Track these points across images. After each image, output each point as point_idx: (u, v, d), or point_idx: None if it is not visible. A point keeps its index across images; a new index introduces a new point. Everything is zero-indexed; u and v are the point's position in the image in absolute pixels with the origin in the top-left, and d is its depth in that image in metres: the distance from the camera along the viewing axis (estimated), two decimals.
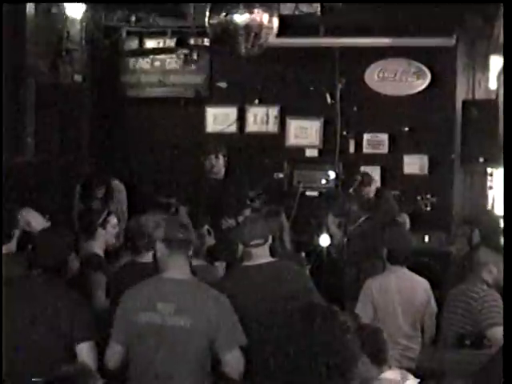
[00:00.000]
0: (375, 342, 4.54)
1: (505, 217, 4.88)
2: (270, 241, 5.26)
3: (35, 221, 5.98)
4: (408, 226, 8.44)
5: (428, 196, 8.69)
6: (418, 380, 4.50)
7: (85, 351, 4.48)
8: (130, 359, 4.62)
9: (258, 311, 4.90)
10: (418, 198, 8.63)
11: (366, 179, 8.76)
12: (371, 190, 8.71)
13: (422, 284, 6.06)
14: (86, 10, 9.41)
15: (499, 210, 8.64)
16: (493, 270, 5.50)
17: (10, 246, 5.56)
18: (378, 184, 9.30)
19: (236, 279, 5.11)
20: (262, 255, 5.18)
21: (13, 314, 4.47)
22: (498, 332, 5.14)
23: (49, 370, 4.14)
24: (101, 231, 6.15)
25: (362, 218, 8.46)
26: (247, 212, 8.11)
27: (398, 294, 5.93)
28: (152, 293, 4.56)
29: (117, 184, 8.83)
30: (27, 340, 4.47)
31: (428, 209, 8.49)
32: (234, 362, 4.53)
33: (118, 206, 8.68)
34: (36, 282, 4.66)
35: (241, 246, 5.22)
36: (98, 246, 6.13)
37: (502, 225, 8.52)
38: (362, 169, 9.61)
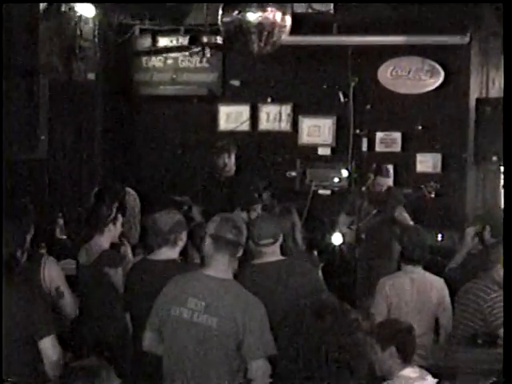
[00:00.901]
0: (405, 339, 4.56)
1: (504, 213, 4.89)
2: (280, 240, 5.27)
3: None
4: (408, 219, 8.36)
5: (432, 183, 8.64)
6: (436, 380, 4.51)
7: (48, 345, 4.50)
8: (163, 350, 4.66)
9: (267, 309, 4.90)
10: (422, 186, 8.57)
11: (385, 170, 8.74)
12: (387, 182, 8.67)
13: (437, 284, 6.03)
14: (99, 8, 9.43)
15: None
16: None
17: None
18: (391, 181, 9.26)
19: (245, 277, 5.11)
20: (272, 254, 5.19)
21: None
22: None
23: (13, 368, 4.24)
24: (111, 227, 6.19)
25: (373, 213, 8.44)
26: (258, 208, 8.10)
27: (413, 294, 5.92)
28: (187, 288, 4.57)
29: (130, 193, 8.76)
30: None
31: (432, 195, 8.43)
32: (258, 371, 4.45)
33: (131, 212, 8.62)
34: None
35: (252, 245, 5.23)
36: (106, 242, 6.17)
37: None
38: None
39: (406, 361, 4.51)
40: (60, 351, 4.54)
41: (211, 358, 4.49)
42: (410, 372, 4.47)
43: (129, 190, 8.53)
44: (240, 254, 4.70)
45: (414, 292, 5.92)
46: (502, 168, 9.04)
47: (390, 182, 8.85)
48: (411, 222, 8.30)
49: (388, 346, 4.47)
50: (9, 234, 4.79)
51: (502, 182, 9.11)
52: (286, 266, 5.21)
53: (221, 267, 4.59)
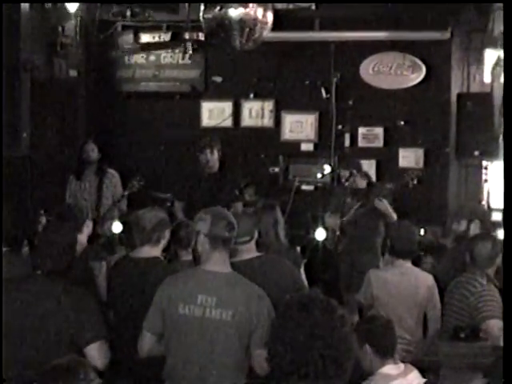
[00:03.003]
0: (381, 336, 4.56)
1: (504, 212, 4.91)
2: (255, 237, 5.27)
3: None
4: (393, 214, 8.37)
5: (413, 171, 8.66)
6: (424, 380, 4.51)
7: (94, 351, 4.45)
8: (167, 350, 4.61)
9: None
10: (404, 174, 8.59)
11: (362, 174, 8.75)
12: (363, 183, 8.67)
13: (425, 279, 6.00)
14: (81, 5, 9.41)
15: (494, 203, 8.67)
16: (495, 263, 5.50)
17: None
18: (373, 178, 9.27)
19: None
20: (248, 251, 5.20)
21: (13, 317, 4.40)
22: (493, 324, 5.17)
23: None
24: (88, 223, 6.21)
25: (355, 207, 8.44)
26: (239, 205, 8.11)
27: (400, 288, 5.90)
28: (193, 284, 4.54)
29: (110, 171, 8.83)
30: (29, 343, 4.42)
31: (415, 182, 8.45)
32: (262, 359, 4.48)
33: (114, 191, 8.69)
34: (37, 283, 4.55)
35: None
36: (85, 239, 6.19)
37: (493, 218, 8.57)
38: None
39: (385, 358, 4.51)
40: (106, 357, 4.45)
41: (225, 352, 4.48)
42: (390, 369, 4.45)
43: (110, 170, 8.72)
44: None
45: (402, 287, 5.91)
46: (484, 162, 9.09)
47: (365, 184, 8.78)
48: (392, 211, 8.30)
49: (363, 343, 4.47)
50: (64, 239, 4.75)
51: (484, 176, 9.16)
52: (263, 262, 5.21)
53: (220, 262, 4.60)
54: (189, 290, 4.52)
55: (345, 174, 8.61)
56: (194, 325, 4.48)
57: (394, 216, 8.11)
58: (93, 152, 8.59)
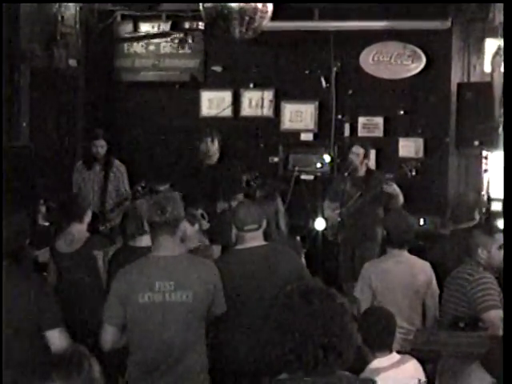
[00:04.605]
0: (375, 327, 4.56)
1: (504, 203, 4.90)
2: (264, 226, 5.29)
3: None
4: (400, 194, 8.37)
5: (412, 162, 8.65)
6: (420, 368, 4.52)
7: (56, 337, 4.49)
8: (130, 341, 4.66)
9: (250, 293, 4.97)
10: (402, 165, 8.59)
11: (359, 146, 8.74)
12: (358, 152, 8.62)
13: (422, 267, 6.01)
14: None
15: (494, 192, 8.67)
16: (488, 253, 5.50)
17: None
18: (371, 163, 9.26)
19: (228, 262, 5.16)
20: (255, 239, 5.22)
21: None
22: (493, 314, 5.17)
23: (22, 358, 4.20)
24: (88, 212, 6.24)
25: (355, 196, 8.44)
26: (240, 196, 8.13)
27: (398, 278, 5.90)
28: (148, 272, 4.63)
29: (117, 164, 8.94)
30: None
31: (413, 173, 8.45)
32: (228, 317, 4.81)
33: (120, 182, 8.80)
34: None
35: (235, 230, 5.27)
36: (86, 228, 6.22)
37: (493, 207, 8.57)
38: None
39: (377, 351, 4.52)
40: (68, 345, 4.45)
41: (189, 331, 4.61)
42: (380, 362, 4.47)
43: (117, 163, 8.92)
44: (180, 231, 4.78)
45: (400, 276, 5.91)
46: (483, 152, 9.08)
47: (360, 150, 8.74)
48: (401, 194, 8.32)
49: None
50: (18, 224, 4.76)
51: (484, 166, 9.15)
52: (269, 250, 5.25)
53: (168, 246, 4.68)
54: (145, 278, 4.60)
55: (351, 159, 8.61)
56: (155, 311, 4.55)
57: (402, 198, 8.18)
58: (102, 148, 8.80)
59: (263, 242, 5.29)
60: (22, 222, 4.91)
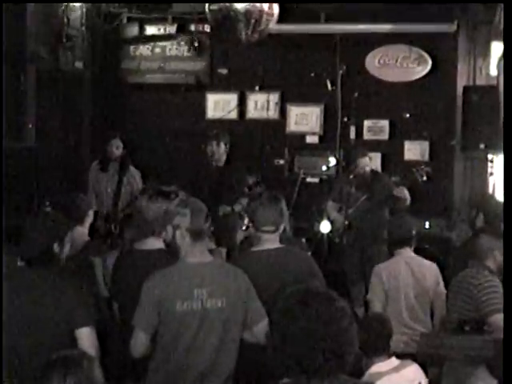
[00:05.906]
0: (369, 334, 4.56)
1: (505, 205, 4.90)
2: (280, 230, 5.28)
3: None
4: (408, 198, 8.38)
5: (423, 167, 8.64)
6: (422, 373, 4.51)
7: (84, 336, 4.45)
8: (158, 347, 4.57)
9: (266, 295, 4.94)
10: (413, 169, 8.58)
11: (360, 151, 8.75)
12: (367, 163, 8.62)
13: (430, 267, 6.09)
14: None
15: (500, 196, 8.65)
16: (496, 256, 5.49)
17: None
18: (377, 166, 9.26)
19: (244, 264, 5.12)
20: (271, 241, 5.21)
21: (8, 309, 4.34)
22: (499, 318, 5.15)
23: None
24: (90, 214, 6.22)
25: (361, 199, 8.44)
26: (244, 201, 8.11)
27: (409, 278, 5.95)
28: (185, 279, 4.57)
29: (132, 170, 8.90)
30: (27, 333, 4.39)
31: (424, 178, 8.44)
32: (263, 331, 4.46)
33: (134, 189, 8.76)
34: (25, 274, 4.46)
35: (252, 230, 5.26)
36: (86, 231, 6.20)
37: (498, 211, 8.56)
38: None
39: (374, 356, 4.52)
40: (96, 344, 4.34)
41: (225, 338, 4.57)
42: (378, 367, 4.48)
43: (132, 168, 8.85)
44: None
45: (410, 276, 5.95)
46: (489, 156, 9.07)
47: (368, 161, 8.75)
48: (408, 197, 8.34)
49: None
50: (44, 228, 4.67)
51: (489, 169, 9.14)
52: (285, 253, 5.24)
53: (201, 252, 4.65)
54: (184, 284, 4.54)
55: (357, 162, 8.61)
56: (193, 319, 4.51)
57: (408, 201, 8.21)
58: (117, 149, 8.72)
59: (279, 245, 5.29)
60: (57, 221, 4.82)
